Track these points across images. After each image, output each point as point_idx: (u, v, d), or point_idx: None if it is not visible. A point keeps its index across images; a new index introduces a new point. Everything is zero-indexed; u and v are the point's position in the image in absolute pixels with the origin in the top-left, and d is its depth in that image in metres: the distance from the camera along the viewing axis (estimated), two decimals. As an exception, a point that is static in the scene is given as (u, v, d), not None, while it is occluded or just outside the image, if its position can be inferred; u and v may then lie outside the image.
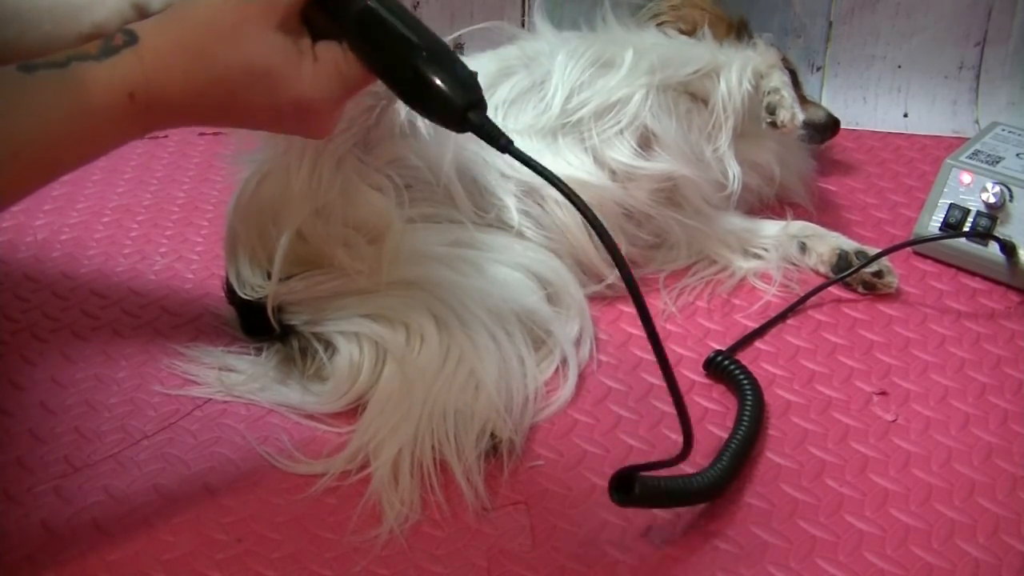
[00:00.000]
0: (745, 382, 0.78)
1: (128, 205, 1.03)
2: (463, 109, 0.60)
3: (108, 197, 1.04)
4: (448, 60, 0.60)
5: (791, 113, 0.90)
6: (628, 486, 0.63)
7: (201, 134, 1.17)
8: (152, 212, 1.01)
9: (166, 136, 1.16)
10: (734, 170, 0.93)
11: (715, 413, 0.78)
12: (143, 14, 0.67)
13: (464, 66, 0.60)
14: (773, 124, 0.91)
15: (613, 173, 0.87)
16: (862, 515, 0.69)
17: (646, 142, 0.89)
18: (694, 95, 0.93)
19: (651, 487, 0.64)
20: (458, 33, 1.02)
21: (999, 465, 0.73)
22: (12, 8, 0.68)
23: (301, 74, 0.60)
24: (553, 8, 0.99)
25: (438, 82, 0.59)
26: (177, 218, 1.00)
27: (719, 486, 0.69)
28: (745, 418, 0.74)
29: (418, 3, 1.20)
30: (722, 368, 0.80)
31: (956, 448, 0.75)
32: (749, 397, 0.76)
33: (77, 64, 0.57)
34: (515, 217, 0.84)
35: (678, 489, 0.67)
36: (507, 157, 0.85)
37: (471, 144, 0.83)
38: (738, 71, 0.93)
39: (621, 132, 0.88)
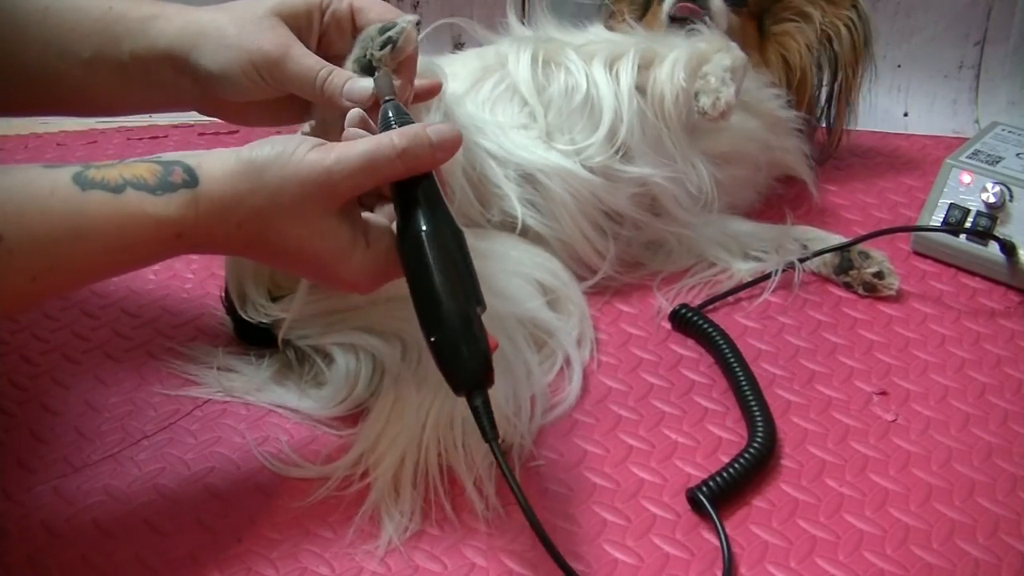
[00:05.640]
0: (712, 331, 0.82)
1: (128, 205, 1.02)
2: (464, 390, 0.61)
3: (108, 197, 1.04)
4: (464, 340, 0.60)
5: (712, 99, 0.85)
6: (697, 496, 0.68)
7: (201, 134, 1.17)
8: (152, 212, 1.01)
9: (166, 136, 1.16)
10: (701, 171, 0.90)
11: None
12: (183, 55, 0.68)
13: (481, 346, 0.60)
14: (703, 113, 0.86)
15: (592, 170, 0.87)
16: (862, 515, 0.69)
17: (624, 150, 0.88)
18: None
19: (719, 485, 0.68)
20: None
21: (999, 465, 0.73)
22: (55, 28, 0.69)
23: (348, 262, 0.62)
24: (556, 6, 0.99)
25: (444, 363, 0.61)
26: (177, 218, 1.00)
27: (772, 441, 0.73)
28: (737, 371, 0.78)
29: (418, 2, 1.20)
30: (687, 320, 0.84)
31: (956, 448, 0.75)
32: (724, 349, 0.80)
33: (132, 193, 0.57)
34: (517, 207, 0.84)
35: (745, 468, 0.70)
36: (501, 142, 0.85)
37: (470, 135, 0.83)
38: (670, 65, 0.88)
39: (600, 140, 0.87)
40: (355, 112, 0.65)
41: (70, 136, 1.15)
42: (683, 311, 0.85)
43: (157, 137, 1.15)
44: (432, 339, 0.60)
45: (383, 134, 0.61)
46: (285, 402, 0.76)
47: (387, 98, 0.65)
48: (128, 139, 1.15)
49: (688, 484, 0.70)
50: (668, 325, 0.86)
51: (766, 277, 0.90)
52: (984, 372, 0.82)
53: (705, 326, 0.83)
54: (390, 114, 0.64)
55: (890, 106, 1.25)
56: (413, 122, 0.64)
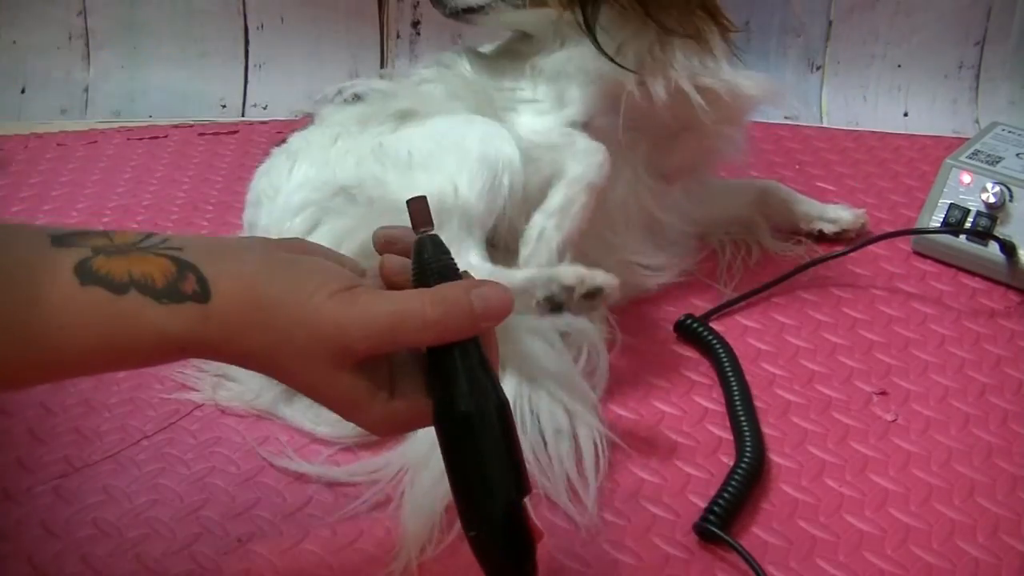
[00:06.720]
0: (715, 343, 0.82)
1: (128, 205, 1.03)
2: None
3: (108, 197, 1.04)
4: (507, 536, 0.54)
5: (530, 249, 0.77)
6: (707, 528, 0.66)
7: (201, 134, 1.17)
8: (152, 212, 1.01)
9: (166, 136, 1.16)
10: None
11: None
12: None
13: (525, 540, 0.55)
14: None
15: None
16: (862, 515, 0.69)
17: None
18: None
19: (724, 509, 0.67)
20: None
21: (999, 465, 0.73)
22: None
23: (364, 412, 0.55)
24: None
25: (486, 560, 0.55)
26: (177, 218, 1.01)
27: (761, 455, 0.72)
28: (732, 383, 0.78)
29: (418, 3, 1.20)
30: (691, 331, 0.84)
31: (956, 448, 0.75)
32: (724, 360, 0.80)
33: (135, 296, 0.51)
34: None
35: (742, 486, 0.69)
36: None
37: None
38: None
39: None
40: (381, 233, 0.58)
41: (70, 136, 1.15)
42: (688, 321, 0.84)
43: (157, 137, 1.15)
44: (472, 534, 0.54)
45: (414, 296, 0.53)
46: (294, 421, 0.74)
47: (422, 229, 0.55)
48: (128, 139, 1.15)
49: (687, 484, 0.70)
50: (671, 332, 0.86)
51: (766, 285, 0.90)
52: (984, 372, 0.82)
53: (710, 338, 0.82)
54: (425, 254, 0.54)
55: (890, 106, 1.25)
56: (452, 263, 0.55)
